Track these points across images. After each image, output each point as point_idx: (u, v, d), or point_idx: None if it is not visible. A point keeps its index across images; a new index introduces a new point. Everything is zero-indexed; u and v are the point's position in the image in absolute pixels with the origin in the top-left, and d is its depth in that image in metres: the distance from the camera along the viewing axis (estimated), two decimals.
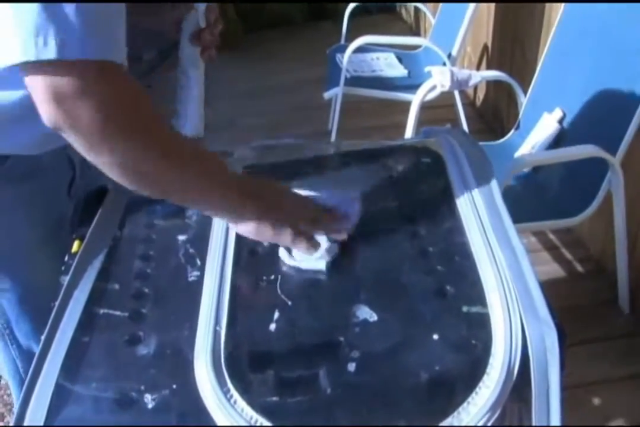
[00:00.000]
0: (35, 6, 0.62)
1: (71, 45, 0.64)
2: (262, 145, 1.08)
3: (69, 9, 0.63)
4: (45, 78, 0.65)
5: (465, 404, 0.63)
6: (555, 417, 0.64)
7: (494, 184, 0.91)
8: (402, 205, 0.92)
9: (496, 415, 0.63)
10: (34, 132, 0.89)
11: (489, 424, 0.62)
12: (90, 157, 0.70)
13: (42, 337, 0.74)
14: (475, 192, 0.90)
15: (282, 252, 0.83)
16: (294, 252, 0.83)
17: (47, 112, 0.67)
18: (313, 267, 0.82)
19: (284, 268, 0.82)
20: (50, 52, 0.63)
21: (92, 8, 0.65)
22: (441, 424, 0.62)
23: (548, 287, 0.73)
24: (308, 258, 0.82)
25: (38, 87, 0.66)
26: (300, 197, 0.86)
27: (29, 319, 1.06)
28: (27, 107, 0.84)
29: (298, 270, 0.82)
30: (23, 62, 0.64)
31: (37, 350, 1.07)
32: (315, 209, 0.85)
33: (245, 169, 1.00)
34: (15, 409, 0.68)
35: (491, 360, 0.67)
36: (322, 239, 0.83)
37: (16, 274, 1.01)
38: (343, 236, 0.84)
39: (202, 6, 0.98)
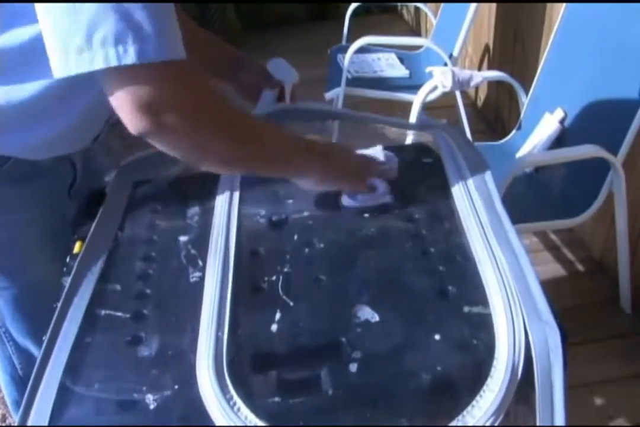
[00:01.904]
0: (110, 14, 0.65)
1: (148, 50, 0.67)
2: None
3: (141, 14, 0.66)
4: (128, 87, 0.68)
5: (469, 408, 0.63)
6: (560, 418, 0.64)
7: (491, 186, 0.91)
8: (401, 205, 0.92)
9: (500, 417, 0.62)
10: (38, 136, 0.91)
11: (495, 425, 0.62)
12: (184, 158, 0.79)
13: (45, 339, 0.74)
14: (474, 194, 0.90)
15: (344, 199, 0.93)
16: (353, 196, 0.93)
17: (133, 122, 0.70)
18: (378, 203, 0.92)
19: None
20: (130, 57, 0.66)
21: (159, 12, 0.68)
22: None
23: (549, 287, 0.73)
24: (370, 198, 0.93)
25: (121, 97, 0.69)
26: (355, 153, 0.98)
27: (25, 317, 1.07)
28: (33, 109, 0.85)
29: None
30: (105, 69, 0.67)
31: (32, 348, 1.09)
32: (367, 160, 0.97)
33: None
34: (18, 409, 0.68)
35: (495, 362, 0.66)
36: (377, 182, 0.94)
37: (14, 273, 1.02)
38: (394, 174, 0.96)
39: (289, 86, 1.10)
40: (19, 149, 0.91)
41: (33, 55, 0.76)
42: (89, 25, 0.65)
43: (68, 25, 0.66)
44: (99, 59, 0.66)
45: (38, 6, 0.67)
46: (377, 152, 0.98)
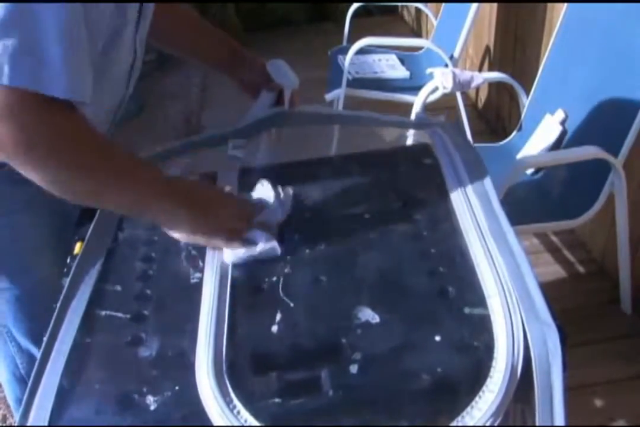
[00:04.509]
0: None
1: (19, 73, 0.66)
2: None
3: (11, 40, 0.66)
4: None
5: (469, 409, 0.63)
6: (559, 419, 0.64)
7: (489, 186, 0.91)
8: (401, 208, 0.92)
9: (500, 418, 0.62)
10: None
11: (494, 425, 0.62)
12: (26, 175, 0.75)
13: (45, 339, 0.74)
14: (472, 196, 0.90)
15: (225, 254, 0.84)
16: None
17: None
18: (263, 256, 0.84)
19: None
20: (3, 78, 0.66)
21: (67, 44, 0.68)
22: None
23: (550, 289, 0.73)
24: (251, 252, 0.84)
25: None
26: (232, 200, 0.91)
27: (27, 318, 1.07)
28: None
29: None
30: None
31: (34, 349, 1.09)
32: (246, 210, 0.89)
33: (243, 169, 1.02)
34: (19, 410, 0.68)
35: (494, 363, 0.66)
36: (257, 234, 0.85)
37: (17, 274, 1.02)
38: (272, 231, 0.87)
39: (288, 91, 1.09)
40: None
41: None
42: None
43: None
44: None
45: None
46: (266, 191, 0.91)
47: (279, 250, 0.84)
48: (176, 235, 0.86)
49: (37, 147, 0.71)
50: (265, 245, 0.83)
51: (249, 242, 0.84)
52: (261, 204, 0.90)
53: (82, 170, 0.75)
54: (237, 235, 0.85)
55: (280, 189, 0.92)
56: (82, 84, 0.73)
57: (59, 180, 0.75)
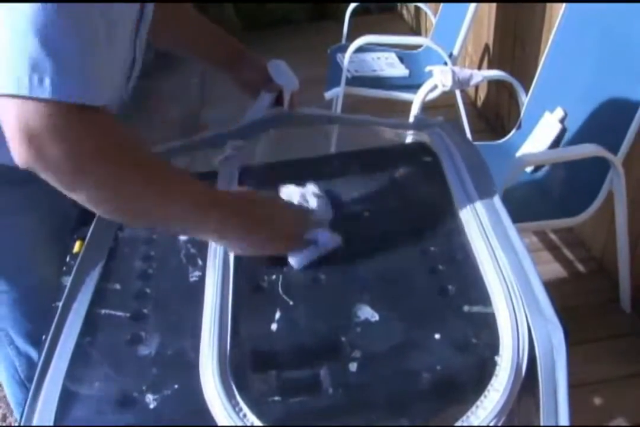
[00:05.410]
0: (34, 41, 0.61)
1: (63, 86, 0.63)
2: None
3: (69, 50, 0.63)
4: (20, 115, 0.63)
5: (474, 408, 0.62)
6: (564, 417, 0.64)
7: (490, 184, 0.91)
8: (400, 206, 0.92)
9: (504, 417, 0.62)
10: None
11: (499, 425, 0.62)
12: (68, 194, 0.70)
13: (48, 338, 0.74)
14: (473, 193, 0.90)
15: (290, 260, 0.83)
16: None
17: (17, 150, 0.65)
18: (328, 251, 0.83)
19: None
20: (45, 90, 0.62)
21: (87, 48, 0.65)
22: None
23: (549, 287, 0.73)
24: (316, 251, 0.83)
25: (11, 124, 0.64)
26: (285, 207, 0.88)
27: (26, 320, 1.06)
28: None
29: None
30: (9, 95, 0.62)
31: (33, 352, 1.08)
32: (301, 213, 0.87)
33: (243, 169, 1.01)
34: (21, 410, 0.68)
35: (499, 361, 0.66)
36: (318, 234, 0.84)
37: (14, 276, 1.01)
38: (329, 217, 0.89)
39: (288, 92, 1.09)
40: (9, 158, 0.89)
41: None
42: (12, 50, 0.62)
43: None
44: (12, 84, 0.62)
45: None
46: (307, 193, 0.91)
47: (340, 241, 0.84)
48: (236, 251, 0.82)
49: (82, 162, 0.67)
50: (326, 239, 0.83)
51: (309, 243, 0.83)
52: (307, 205, 0.90)
53: (125, 189, 0.72)
54: (297, 240, 0.83)
55: (312, 188, 0.93)
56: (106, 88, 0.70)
57: (101, 200, 0.72)
